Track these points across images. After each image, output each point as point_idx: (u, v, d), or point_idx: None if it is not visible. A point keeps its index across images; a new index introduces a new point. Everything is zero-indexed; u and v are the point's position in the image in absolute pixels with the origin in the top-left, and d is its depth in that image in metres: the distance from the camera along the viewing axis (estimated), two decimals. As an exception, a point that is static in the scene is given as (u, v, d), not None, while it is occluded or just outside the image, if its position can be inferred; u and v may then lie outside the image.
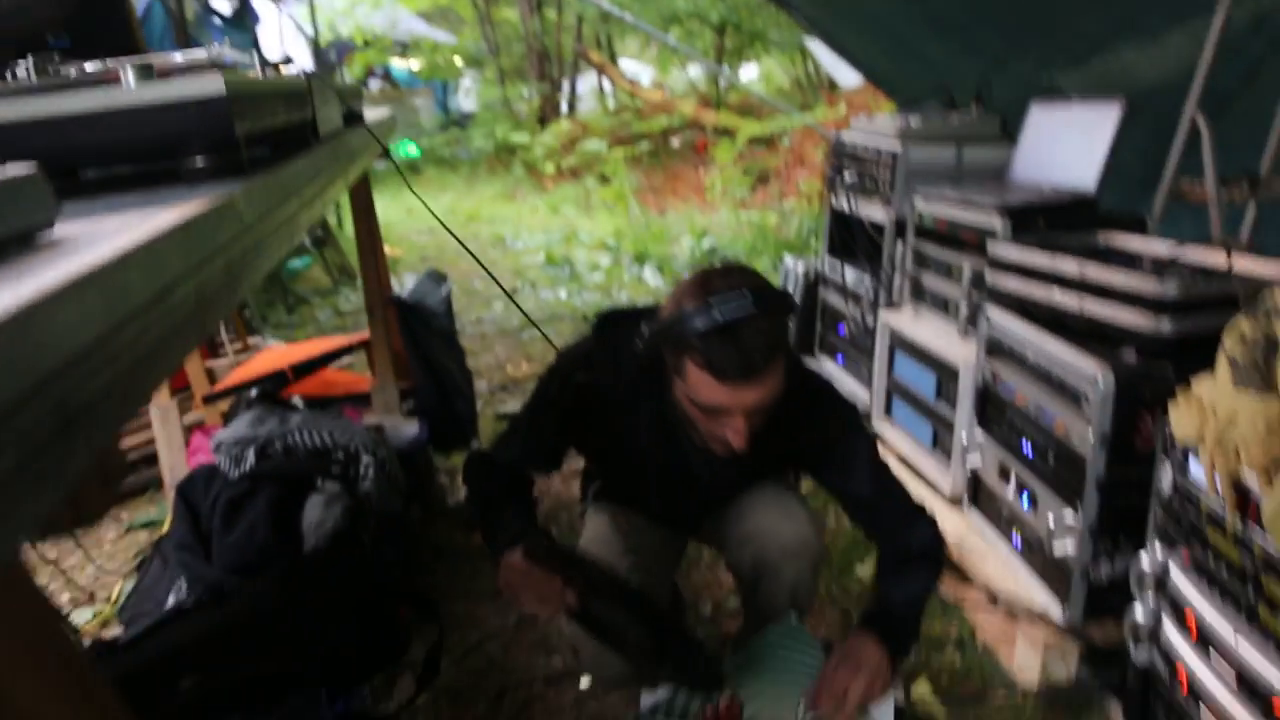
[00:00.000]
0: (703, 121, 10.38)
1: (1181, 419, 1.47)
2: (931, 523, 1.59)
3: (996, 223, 2.29)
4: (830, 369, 3.57)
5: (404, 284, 3.10)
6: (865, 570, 2.43)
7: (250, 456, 2.22)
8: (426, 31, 12.63)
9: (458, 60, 12.96)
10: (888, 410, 2.97)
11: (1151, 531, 1.61)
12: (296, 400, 2.69)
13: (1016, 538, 2.17)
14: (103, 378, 0.50)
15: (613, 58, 13.82)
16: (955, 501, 2.50)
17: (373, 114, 2.13)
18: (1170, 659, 1.54)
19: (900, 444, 2.85)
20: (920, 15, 3.49)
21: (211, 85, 0.84)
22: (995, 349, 2.20)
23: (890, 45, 3.88)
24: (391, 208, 8.47)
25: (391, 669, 1.82)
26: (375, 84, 12.09)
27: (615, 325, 1.57)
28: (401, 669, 1.86)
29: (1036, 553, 2.08)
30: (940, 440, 2.63)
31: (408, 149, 11.13)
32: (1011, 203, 2.32)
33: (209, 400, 2.80)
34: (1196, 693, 1.44)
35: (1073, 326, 1.95)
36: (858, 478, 1.58)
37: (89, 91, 0.83)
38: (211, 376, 2.97)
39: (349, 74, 10.38)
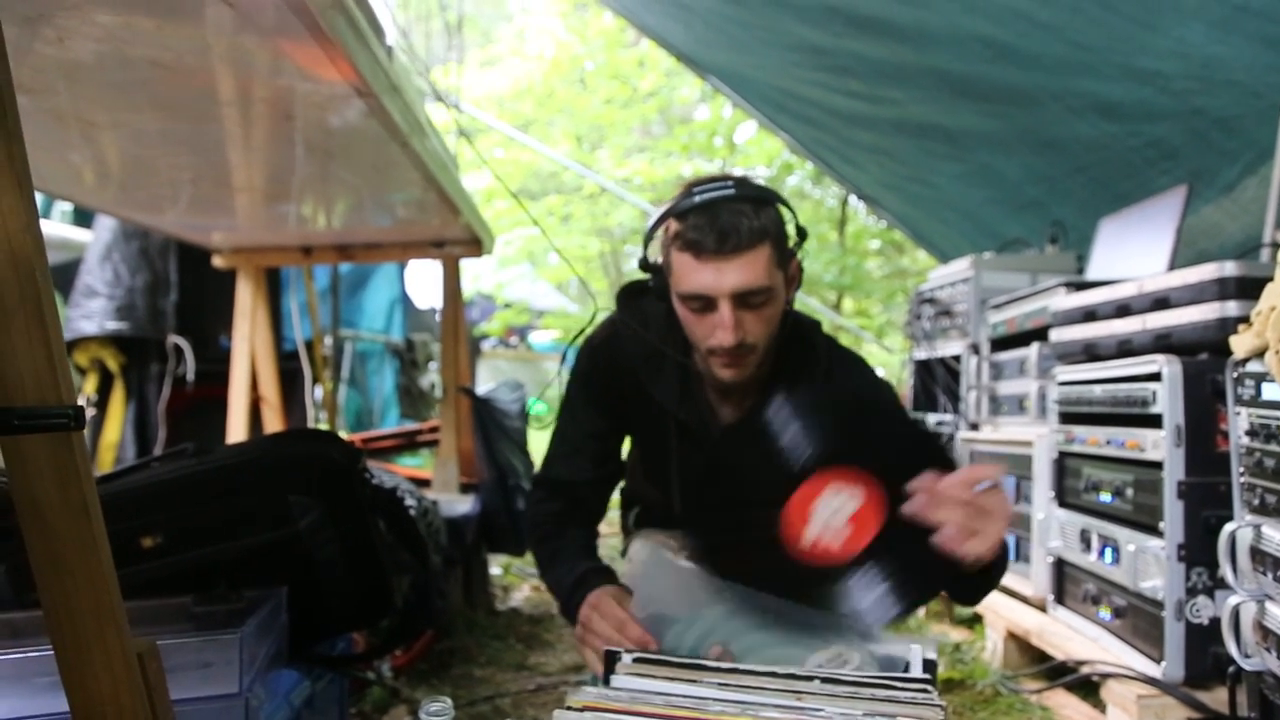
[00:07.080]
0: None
1: (1241, 338, 1.34)
2: None
3: (1060, 291, 2.25)
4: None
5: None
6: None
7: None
8: (563, 303, 13.71)
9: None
10: (970, 543, 2.72)
11: (1238, 500, 1.40)
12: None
13: (1104, 614, 1.88)
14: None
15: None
16: (1040, 606, 2.21)
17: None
18: None
19: (983, 571, 2.58)
20: (1004, 198, 3.68)
21: None
22: (1066, 408, 2.06)
23: (972, 231, 4.04)
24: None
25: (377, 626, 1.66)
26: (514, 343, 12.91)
27: (640, 294, 1.54)
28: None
29: (1126, 618, 1.79)
30: (1022, 549, 2.38)
31: (535, 406, 11.64)
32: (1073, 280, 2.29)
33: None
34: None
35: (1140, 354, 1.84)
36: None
37: None
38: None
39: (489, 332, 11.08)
